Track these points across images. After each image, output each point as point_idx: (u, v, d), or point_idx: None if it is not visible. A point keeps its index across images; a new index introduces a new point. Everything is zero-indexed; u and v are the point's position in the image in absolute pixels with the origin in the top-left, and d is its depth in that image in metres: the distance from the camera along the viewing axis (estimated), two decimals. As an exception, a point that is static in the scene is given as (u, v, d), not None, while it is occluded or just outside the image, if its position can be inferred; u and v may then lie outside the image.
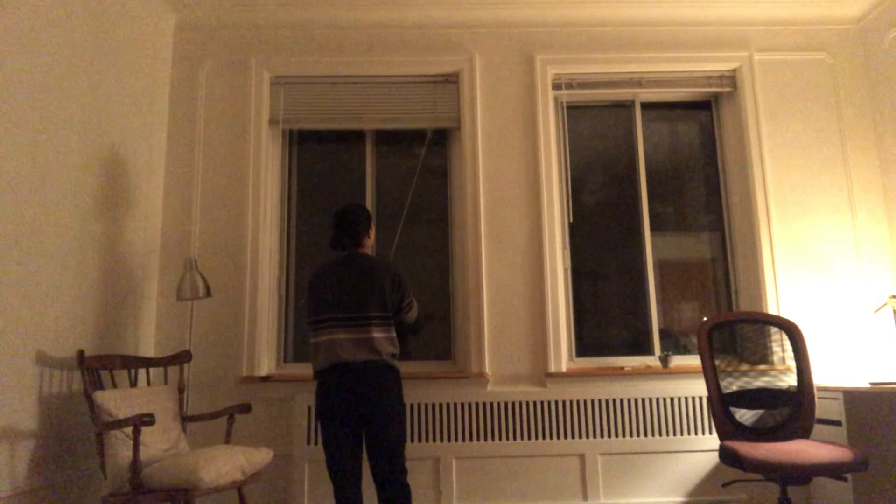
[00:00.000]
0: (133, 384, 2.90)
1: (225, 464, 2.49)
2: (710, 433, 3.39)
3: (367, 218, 2.79)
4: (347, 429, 2.53)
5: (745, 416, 3.00)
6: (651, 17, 3.87)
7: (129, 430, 2.56)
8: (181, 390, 3.03)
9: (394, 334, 2.63)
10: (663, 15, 3.86)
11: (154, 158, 3.56)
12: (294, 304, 3.74)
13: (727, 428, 2.86)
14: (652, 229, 3.87)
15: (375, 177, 3.83)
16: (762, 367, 3.15)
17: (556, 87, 3.87)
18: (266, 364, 3.57)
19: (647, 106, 4.03)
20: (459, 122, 3.77)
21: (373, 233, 2.83)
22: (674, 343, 3.78)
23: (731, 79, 3.90)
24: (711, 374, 2.92)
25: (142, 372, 3.31)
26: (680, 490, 3.35)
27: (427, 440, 3.36)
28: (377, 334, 2.56)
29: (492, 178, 3.71)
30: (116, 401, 2.63)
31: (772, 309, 3.59)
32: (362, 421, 2.52)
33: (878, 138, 3.78)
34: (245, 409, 2.94)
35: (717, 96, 4.04)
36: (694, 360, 3.67)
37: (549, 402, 3.40)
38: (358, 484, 2.56)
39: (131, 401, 2.70)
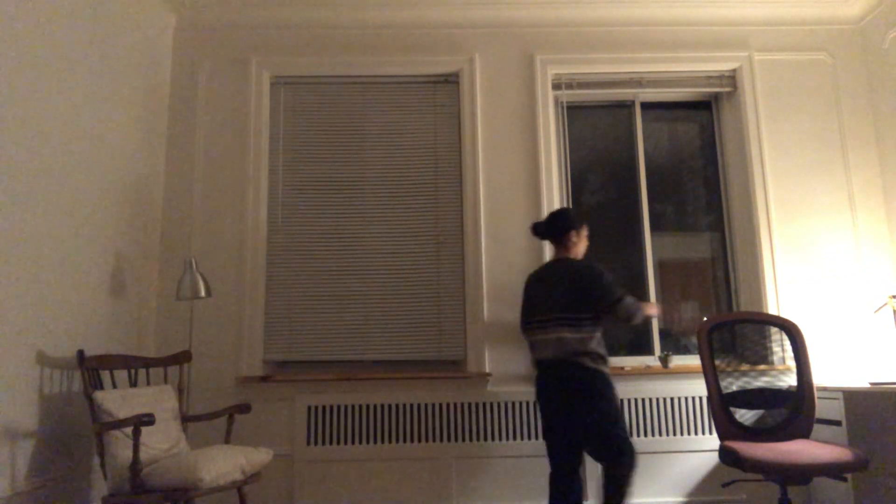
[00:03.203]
0: (133, 384, 2.90)
1: (225, 464, 2.49)
2: (710, 433, 3.39)
3: (567, 218, 2.94)
4: (553, 422, 2.76)
5: (745, 416, 3.00)
6: (651, 17, 3.87)
7: (129, 430, 2.55)
8: (181, 390, 3.03)
9: (585, 335, 2.74)
10: (663, 15, 3.86)
11: (154, 158, 3.56)
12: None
13: (727, 428, 2.86)
14: (652, 229, 3.87)
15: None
16: (762, 367, 3.15)
17: (556, 87, 3.87)
18: (266, 364, 3.57)
19: (648, 106, 4.03)
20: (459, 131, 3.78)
21: (576, 236, 2.94)
22: (674, 343, 3.78)
23: (731, 79, 3.90)
24: (711, 374, 2.92)
25: (142, 372, 3.31)
26: (680, 490, 3.35)
27: (427, 440, 3.36)
28: (566, 334, 2.73)
29: (492, 178, 3.71)
30: (116, 401, 2.63)
31: (772, 309, 3.59)
32: (563, 415, 2.72)
33: (878, 138, 3.78)
34: (245, 409, 2.94)
35: (717, 96, 4.04)
36: (694, 360, 3.66)
37: (549, 402, 3.40)
38: (571, 473, 2.75)
39: (131, 401, 2.70)
